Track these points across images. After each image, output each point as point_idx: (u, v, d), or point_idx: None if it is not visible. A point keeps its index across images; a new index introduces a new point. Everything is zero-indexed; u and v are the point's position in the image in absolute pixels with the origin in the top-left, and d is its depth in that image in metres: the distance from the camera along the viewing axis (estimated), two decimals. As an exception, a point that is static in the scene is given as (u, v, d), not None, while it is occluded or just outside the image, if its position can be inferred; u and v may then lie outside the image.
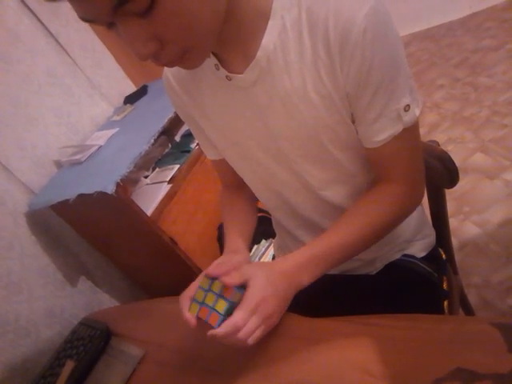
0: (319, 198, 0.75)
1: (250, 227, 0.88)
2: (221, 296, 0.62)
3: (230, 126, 0.73)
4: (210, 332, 0.59)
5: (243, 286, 0.62)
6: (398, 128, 0.61)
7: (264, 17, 0.59)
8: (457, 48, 3.05)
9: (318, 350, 0.63)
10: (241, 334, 0.58)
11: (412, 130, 0.62)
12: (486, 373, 0.47)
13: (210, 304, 0.63)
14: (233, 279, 0.62)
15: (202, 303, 0.64)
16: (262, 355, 0.67)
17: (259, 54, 0.60)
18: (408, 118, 0.60)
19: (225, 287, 0.62)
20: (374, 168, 0.71)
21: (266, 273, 0.63)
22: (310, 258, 0.65)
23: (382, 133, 0.61)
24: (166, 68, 0.77)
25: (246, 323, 0.58)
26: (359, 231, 0.67)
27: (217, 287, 0.63)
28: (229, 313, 0.60)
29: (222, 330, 0.58)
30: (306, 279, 0.65)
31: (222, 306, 0.61)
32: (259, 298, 0.60)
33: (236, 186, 0.92)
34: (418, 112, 0.62)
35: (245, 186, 0.87)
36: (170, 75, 0.76)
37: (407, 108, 0.60)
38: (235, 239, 0.81)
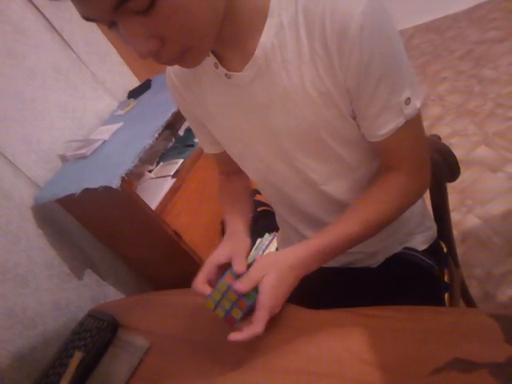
0: (320, 192, 0.76)
1: (248, 208, 0.92)
2: (236, 305, 0.68)
3: (231, 123, 0.74)
4: (233, 337, 0.65)
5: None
6: (400, 121, 0.61)
7: (262, 16, 0.59)
8: (461, 40, 3.03)
9: (319, 340, 0.65)
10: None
11: (414, 121, 0.63)
12: (483, 362, 0.48)
13: (227, 307, 0.69)
14: (244, 287, 0.66)
15: (218, 304, 0.69)
16: (264, 345, 0.69)
17: (257, 52, 0.61)
18: (409, 110, 0.61)
19: (238, 300, 0.67)
20: (378, 158, 0.72)
21: (275, 275, 0.66)
22: (319, 250, 0.67)
23: (385, 126, 0.62)
24: (168, 67, 0.78)
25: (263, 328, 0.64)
26: (366, 220, 0.68)
27: (232, 296, 0.68)
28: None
29: (244, 336, 0.64)
30: (312, 268, 0.68)
31: (237, 314, 0.68)
32: (272, 304, 0.65)
33: (233, 172, 0.94)
34: (418, 104, 0.62)
35: (241, 172, 0.89)
36: (172, 74, 0.78)
37: (408, 101, 0.61)
38: (235, 220, 0.85)
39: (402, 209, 0.72)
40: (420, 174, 0.70)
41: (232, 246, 0.77)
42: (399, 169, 0.68)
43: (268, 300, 0.64)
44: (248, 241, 0.81)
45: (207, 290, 0.71)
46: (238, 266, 0.71)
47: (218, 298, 0.69)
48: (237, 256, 0.74)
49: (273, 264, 0.67)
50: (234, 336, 0.65)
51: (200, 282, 0.72)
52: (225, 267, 0.73)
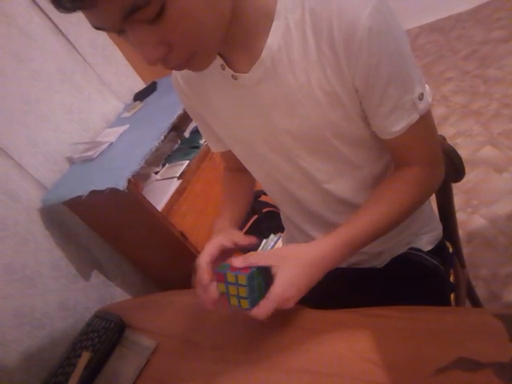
0: (324, 191, 0.77)
1: (241, 211, 0.93)
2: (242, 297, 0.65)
3: (237, 124, 0.75)
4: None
5: (269, 273, 0.64)
6: (415, 117, 0.62)
7: (268, 18, 0.60)
8: (466, 40, 3.02)
9: (324, 340, 0.65)
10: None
11: (427, 116, 0.64)
12: (488, 362, 0.49)
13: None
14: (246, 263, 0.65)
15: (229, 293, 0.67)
16: (270, 345, 0.69)
17: (264, 54, 0.62)
18: (423, 105, 0.62)
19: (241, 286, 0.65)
20: (392, 155, 0.73)
21: (293, 269, 0.63)
22: (343, 242, 0.65)
23: (399, 123, 0.63)
24: None
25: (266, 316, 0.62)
26: (391, 209, 0.68)
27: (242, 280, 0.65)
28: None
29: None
30: (337, 262, 0.66)
31: (245, 304, 0.65)
32: (281, 299, 0.62)
33: (237, 169, 0.95)
34: (430, 99, 0.64)
35: (245, 169, 0.89)
36: (178, 76, 0.79)
37: (421, 96, 0.62)
38: (223, 221, 0.86)
39: (421, 200, 0.72)
40: (435, 166, 0.71)
41: (224, 234, 0.78)
42: (414, 163, 0.69)
43: (281, 291, 0.61)
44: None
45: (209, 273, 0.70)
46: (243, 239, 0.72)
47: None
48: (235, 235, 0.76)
49: (291, 255, 0.65)
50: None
51: (206, 261, 0.71)
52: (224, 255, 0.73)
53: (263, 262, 0.65)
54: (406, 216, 0.71)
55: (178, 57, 0.54)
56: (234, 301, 0.66)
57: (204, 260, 0.72)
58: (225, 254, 0.74)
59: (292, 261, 0.64)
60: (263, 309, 0.62)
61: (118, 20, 0.47)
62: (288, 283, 0.62)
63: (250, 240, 0.73)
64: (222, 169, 1.02)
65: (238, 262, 0.66)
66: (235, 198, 0.94)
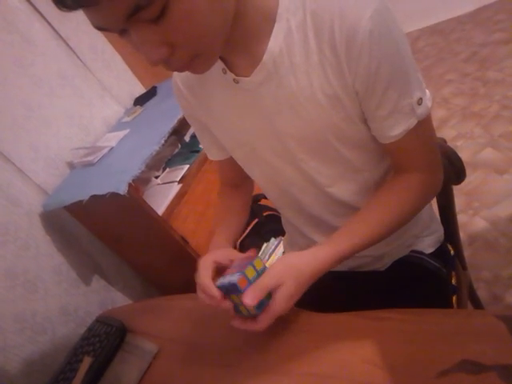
0: (327, 195, 0.77)
1: (236, 229, 0.92)
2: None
3: (238, 128, 0.74)
4: (234, 322, 0.66)
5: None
6: (413, 121, 0.62)
7: (270, 20, 0.60)
8: (466, 42, 3.03)
9: (328, 344, 0.65)
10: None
11: (426, 121, 0.64)
12: (491, 364, 0.48)
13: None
14: (256, 298, 0.61)
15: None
16: (274, 349, 0.69)
17: (265, 57, 0.62)
18: (421, 110, 0.62)
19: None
20: (391, 160, 0.73)
21: (294, 286, 0.62)
22: (341, 254, 0.65)
23: (397, 128, 0.63)
24: (174, 73, 0.79)
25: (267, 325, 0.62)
26: (389, 219, 0.68)
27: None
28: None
29: (244, 327, 0.64)
30: (329, 269, 0.66)
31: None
32: (283, 310, 0.62)
33: (234, 184, 0.95)
34: (430, 104, 0.63)
35: (242, 184, 0.90)
36: (178, 80, 0.79)
37: (420, 101, 0.61)
38: (220, 236, 0.87)
39: (420, 207, 0.72)
40: (434, 172, 0.71)
41: (221, 251, 0.78)
42: (413, 169, 0.68)
43: (280, 309, 0.61)
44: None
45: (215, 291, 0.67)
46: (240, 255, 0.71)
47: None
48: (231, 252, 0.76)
49: (292, 273, 0.63)
50: (235, 322, 0.65)
51: (207, 277, 0.69)
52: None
53: (266, 289, 0.62)
54: (404, 223, 0.71)
55: (181, 58, 0.53)
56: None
57: (204, 280, 0.69)
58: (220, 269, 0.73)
59: (292, 280, 0.62)
60: (264, 323, 0.62)
61: (120, 19, 0.46)
62: (288, 304, 0.62)
63: (248, 255, 0.70)
64: (220, 185, 1.00)
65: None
66: (232, 214, 0.93)
